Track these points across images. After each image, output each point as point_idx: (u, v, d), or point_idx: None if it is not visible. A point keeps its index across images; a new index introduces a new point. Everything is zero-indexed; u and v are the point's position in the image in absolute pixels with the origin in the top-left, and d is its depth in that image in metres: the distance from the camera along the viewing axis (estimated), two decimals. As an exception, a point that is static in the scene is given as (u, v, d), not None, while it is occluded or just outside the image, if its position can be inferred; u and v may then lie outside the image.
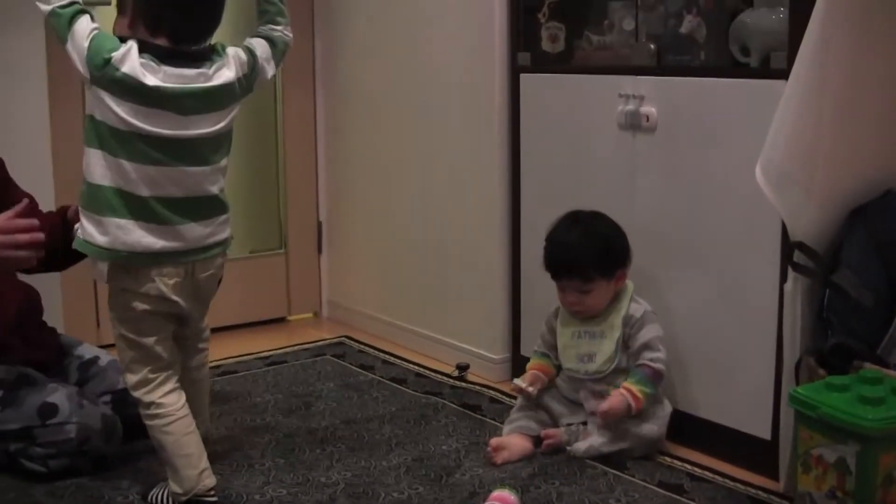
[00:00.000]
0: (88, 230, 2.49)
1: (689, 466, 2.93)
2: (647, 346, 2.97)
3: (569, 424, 3.01)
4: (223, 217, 2.61)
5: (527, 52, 3.51)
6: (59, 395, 2.82)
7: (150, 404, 2.60)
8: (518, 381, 3.08)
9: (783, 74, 2.62)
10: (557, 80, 3.41)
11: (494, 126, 3.58)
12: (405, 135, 4.03)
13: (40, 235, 2.65)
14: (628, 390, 2.91)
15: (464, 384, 3.61)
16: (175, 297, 2.56)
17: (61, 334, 3.19)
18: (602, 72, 3.26)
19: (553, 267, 3.05)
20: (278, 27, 2.67)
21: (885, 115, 2.65)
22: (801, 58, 2.52)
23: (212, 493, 2.63)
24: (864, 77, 2.57)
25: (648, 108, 3.08)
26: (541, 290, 3.14)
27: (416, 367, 3.82)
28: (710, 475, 2.87)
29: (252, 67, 2.59)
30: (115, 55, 2.38)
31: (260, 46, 2.63)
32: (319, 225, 4.55)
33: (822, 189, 2.60)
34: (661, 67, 3.13)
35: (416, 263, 4.05)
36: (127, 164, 2.43)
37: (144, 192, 2.45)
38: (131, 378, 2.62)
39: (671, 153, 3.04)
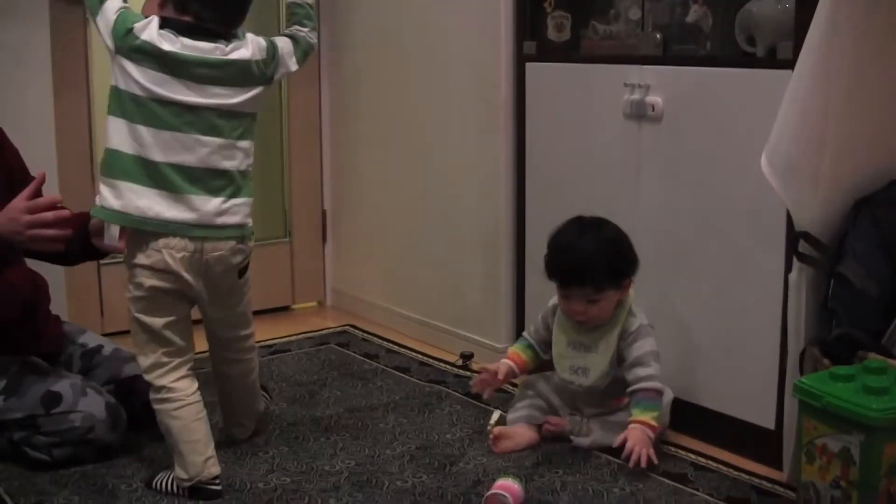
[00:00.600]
0: (104, 194, 2.58)
1: (692, 456, 2.93)
2: (639, 362, 2.90)
3: (572, 414, 3.01)
4: (239, 200, 2.67)
5: (533, 40, 3.50)
6: (62, 384, 2.83)
7: (160, 388, 2.66)
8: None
9: (789, 65, 2.61)
10: (563, 69, 3.40)
11: (500, 115, 3.58)
12: (410, 124, 4.03)
13: (65, 212, 2.66)
14: (642, 423, 2.84)
15: (468, 373, 3.61)
16: (182, 273, 2.62)
17: (65, 322, 3.18)
18: (608, 61, 3.25)
19: (562, 274, 2.94)
20: (304, 29, 2.83)
21: (891, 105, 2.64)
22: (807, 48, 2.51)
23: (216, 481, 2.65)
24: (871, 67, 2.56)
25: (654, 98, 3.07)
26: (545, 280, 3.13)
27: (420, 356, 3.83)
28: (714, 465, 2.88)
29: (272, 56, 2.72)
30: (137, 25, 2.54)
31: (282, 41, 2.78)
32: (324, 214, 4.55)
33: (828, 179, 2.59)
34: (666, 57, 3.12)
35: (420, 252, 4.05)
36: (144, 130, 2.55)
37: (159, 157, 2.56)
38: (143, 361, 2.68)
39: (677, 143, 3.04)
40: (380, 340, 4.03)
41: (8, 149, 2.98)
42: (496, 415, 3.00)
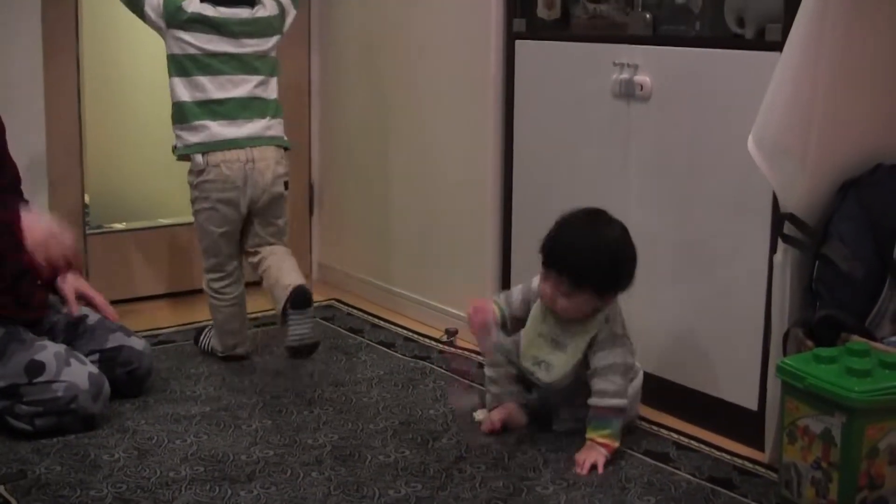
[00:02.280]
0: (182, 136, 3.35)
1: (675, 435, 2.94)
2: (601, 374, 2.78)
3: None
4: (278, 119, 3.47)
5: (523, 18, 3.49)
6: (46, 354, 2.82)
7: (213, 290, 3.43)
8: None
9: (778, 46, 2.61)
10: (553, 47, 3.40)
11: (489, 91, 3.57)
12: (399, 98, 4.02)
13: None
14: (594, 441, 2.75)
15: (452, 349, 3.62)
16: (237, 181, 3.31)
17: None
18: (597, 40, 3.25)
19: (548, 253, 2.80)
20: None
21: (878, 88, 2.65)
22: (795, 30, 2.51)
23: (242, 357, 3.44)
24: (859, 50, 2.56)
25: (643, 78, 3.07)
26: (531, 257, 3.13)
27: (405, 332, 3.83)
28: (696, 444, 2.89)
29: (281, 10, 3.48)
30: (183, 3, 3.30)
31: None
32: (311, 187, 4.54)
33: (815, 161, 2.60)
34: (656, 37, 3.11)
35: (407, 228, 4.05)
36: (202, 78, 3.33)
37: (217, 95, 3.34)
38: (204, 263, 3.45)
39: (665, 122, 3.04)
40: (365, 315, 4.03)
41: None
42: (481, 413, 2.99)
